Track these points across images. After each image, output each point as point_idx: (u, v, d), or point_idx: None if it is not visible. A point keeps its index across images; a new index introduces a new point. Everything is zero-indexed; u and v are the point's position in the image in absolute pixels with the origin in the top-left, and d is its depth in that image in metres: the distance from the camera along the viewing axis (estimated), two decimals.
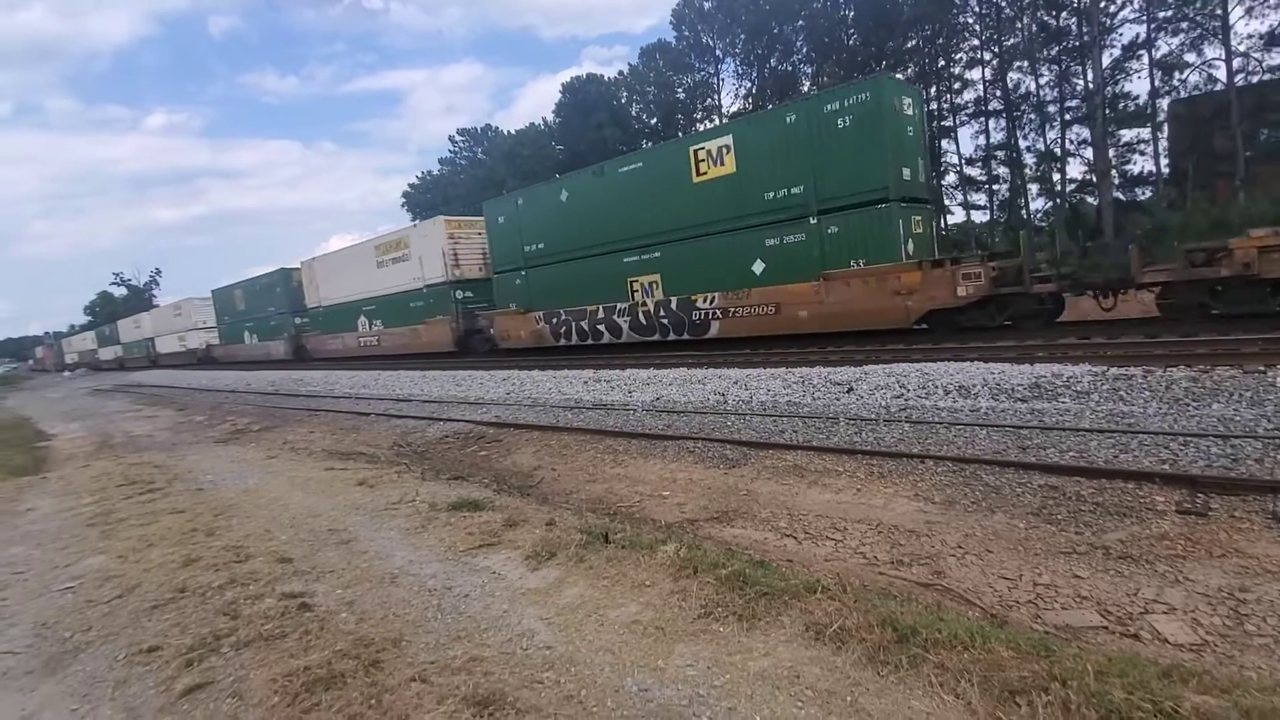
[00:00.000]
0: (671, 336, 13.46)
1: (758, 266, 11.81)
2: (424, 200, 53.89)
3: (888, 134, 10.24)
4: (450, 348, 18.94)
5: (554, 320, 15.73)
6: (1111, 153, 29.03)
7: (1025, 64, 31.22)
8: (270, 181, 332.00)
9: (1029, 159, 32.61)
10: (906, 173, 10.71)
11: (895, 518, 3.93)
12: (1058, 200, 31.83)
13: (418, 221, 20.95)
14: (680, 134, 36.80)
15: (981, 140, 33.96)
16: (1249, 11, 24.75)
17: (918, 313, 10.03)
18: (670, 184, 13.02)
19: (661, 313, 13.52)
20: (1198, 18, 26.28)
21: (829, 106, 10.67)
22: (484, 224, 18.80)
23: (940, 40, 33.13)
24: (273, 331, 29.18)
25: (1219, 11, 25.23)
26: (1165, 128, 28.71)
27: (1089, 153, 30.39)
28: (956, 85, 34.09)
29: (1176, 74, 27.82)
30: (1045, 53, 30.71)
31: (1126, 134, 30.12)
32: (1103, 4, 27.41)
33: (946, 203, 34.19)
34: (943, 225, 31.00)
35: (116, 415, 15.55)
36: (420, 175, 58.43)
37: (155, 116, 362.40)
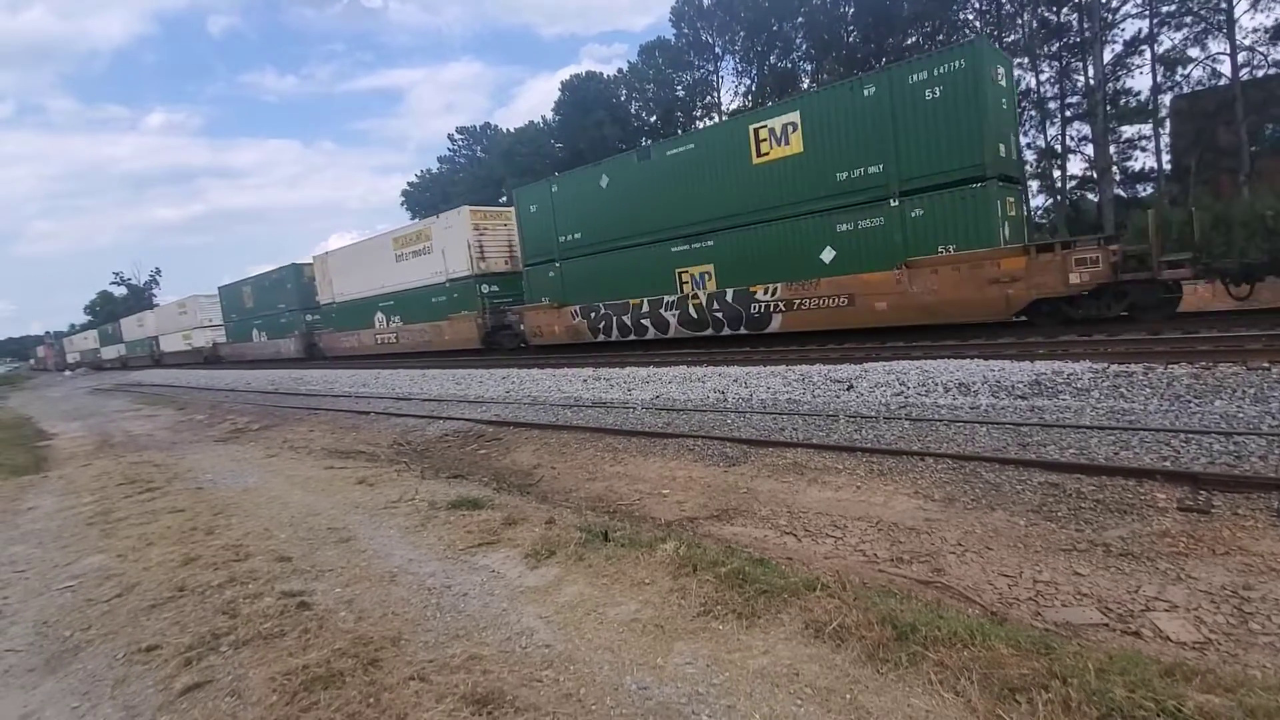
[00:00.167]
0: (726, 331, 12.51)
1: (827, 254, 10.87)
2: (423, 199, 53.84)
3: (986, 105, 9.30)
4: (476, 345, 18.08)
5: (592, 315, 14.84)
6: (1112, 149, 28.98)
7: (1026, 60, 31.10)
8: (270, 180, 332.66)
9: (1029, 155, 32.55)
10: (1002, 149, 9.82)
11: (895, 515, 3.92)
12: (1058, 197, 31.78)
13: (440, 213, 19.64)
14: (680, 131, 36.69)
15: None
16: (1254, 5, 24.67)
17: (1020, 303, 9.10)
18: (726, 166, 12.06)
19: (715, 306, 12.58)
20: (1201, 11, 26.16)
21: (915, 77, 9.70)
22: (511, 215, 18.04)
23: (940, 37, 33.00)
24: (283, 329, 28.36)
25: (1223, 5, 25.13)
26: (1167, 123, 28.63)
27: (1090, 149, 30.34)
28: None
29: (1179, 69, 27.74)
30: (1046, 49, 30.61)
31: (1128, 130, 30.09)
32: None
33: None
34: None
35: (117, 414, 15.56)
36: (419, 174, 58.43)
37: (154, 116, 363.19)
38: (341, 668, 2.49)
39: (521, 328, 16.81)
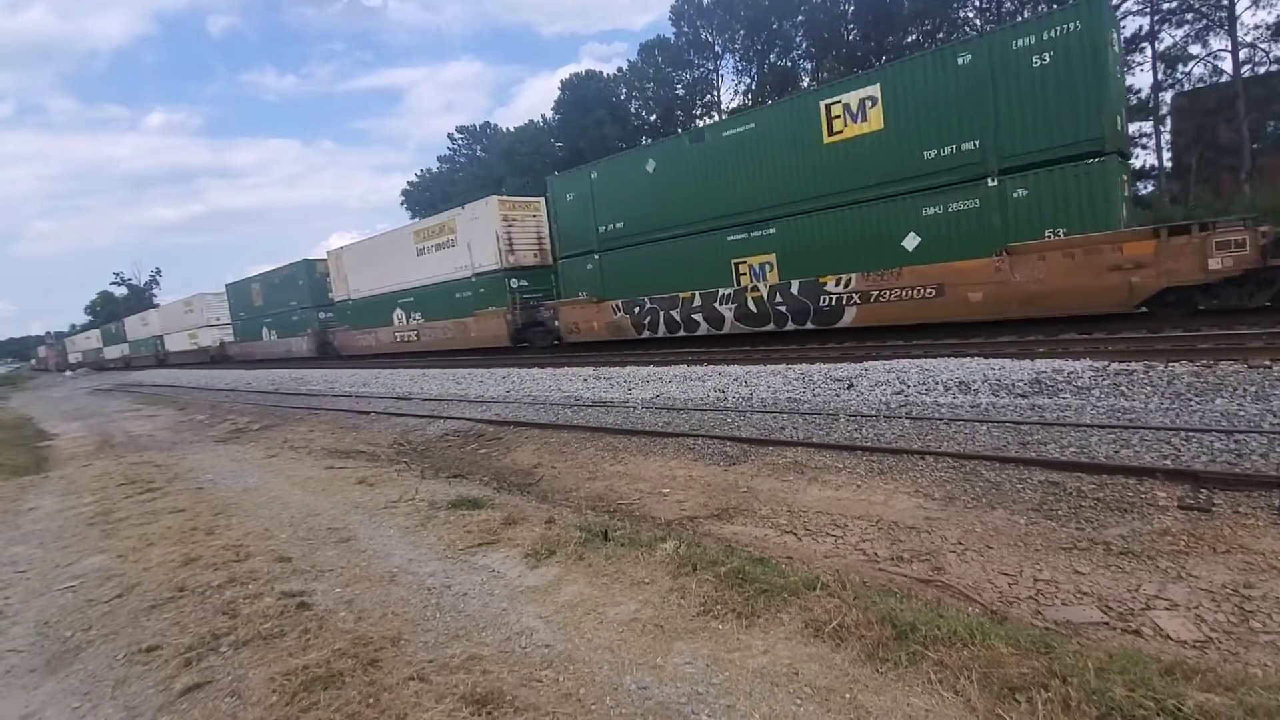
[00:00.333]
0: (790, 326, 11.54)
1: (910, 241, 9.89)
2: (423, 198, 53.86)
3: (1106, 70, 8.38)
4: (505, 343, 17.13)
5: (636, 310, 13.87)
6: None
7: None
8: (269, 180, 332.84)
9: None
10: (1118, 120, 8.96)
11: (895, 514, 3.92)
12: None
13: (464, 203, 18.50)
14: (680, 130, 36.61)
15: None
16: (1255, 1, 24.62)
17: (1146, 292, 8.20)
18: (793, 147, 11.08)
19: (778, 298, 11.58)
20: (1203, 8, 26.10)
21: (1020, 42, 8.78)
22: (540, 205, 17.30)
23: (940, 35, 32.96)
24: (294, 327, 27.32)
25: (1224, 2, 25.07)
26: (1168, 121, 28.56)
27: None
28: None
29: (1180, 66, 27.67)
30: None
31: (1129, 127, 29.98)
32: None
33: None
34: None
35: (117, 415, 15.58)
36: (419, 173, 58.47)
37: (154, 116, 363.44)
38: (341, 668, 2.49)
39: (556, 324, 15.89)
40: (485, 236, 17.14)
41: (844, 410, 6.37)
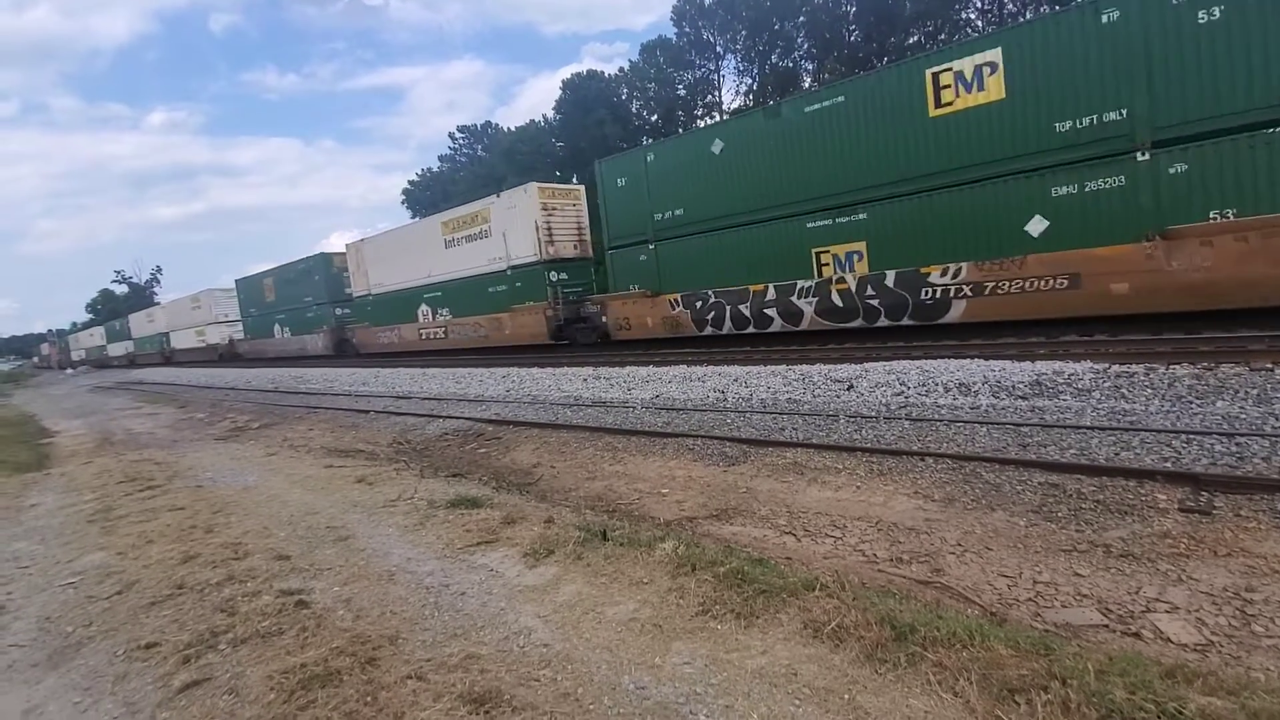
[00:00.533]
0: (883, 322, 10.48)
1: (1036, 226, 8.87)
2: (424, 197, 53.84)
3: None
4: (544, 340, 16.05)
5: (697, 305, 12.89)
6: None
7: None
8: (270, 178, 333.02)
9: None
10: None
11: (895, 515, 3.91)
12: None
13: (500, 192, 17.42)
14: (681, 130, 36.59)
15: None
16: None
17: None
18: (891, 121, 10.01)
19: (868, 291, 10.51)
20: None
21: None
22: (580, 194, 16.48)
23: (942, 36, 32.97)
24: (309, 324, 26.18)
25: None
26: None
27: None
28: None
29: None
30: None
31: None
32: None
33: None
34: None
35: (118, 412, 15.60)
36: (420, 172, 58.40)
37: (156, 114, 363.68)
38: (339, 666, 2.49)
39: (603, 320, 14.84)
40: (523, 226, 15.99)
41: (844, 411, 6.36)
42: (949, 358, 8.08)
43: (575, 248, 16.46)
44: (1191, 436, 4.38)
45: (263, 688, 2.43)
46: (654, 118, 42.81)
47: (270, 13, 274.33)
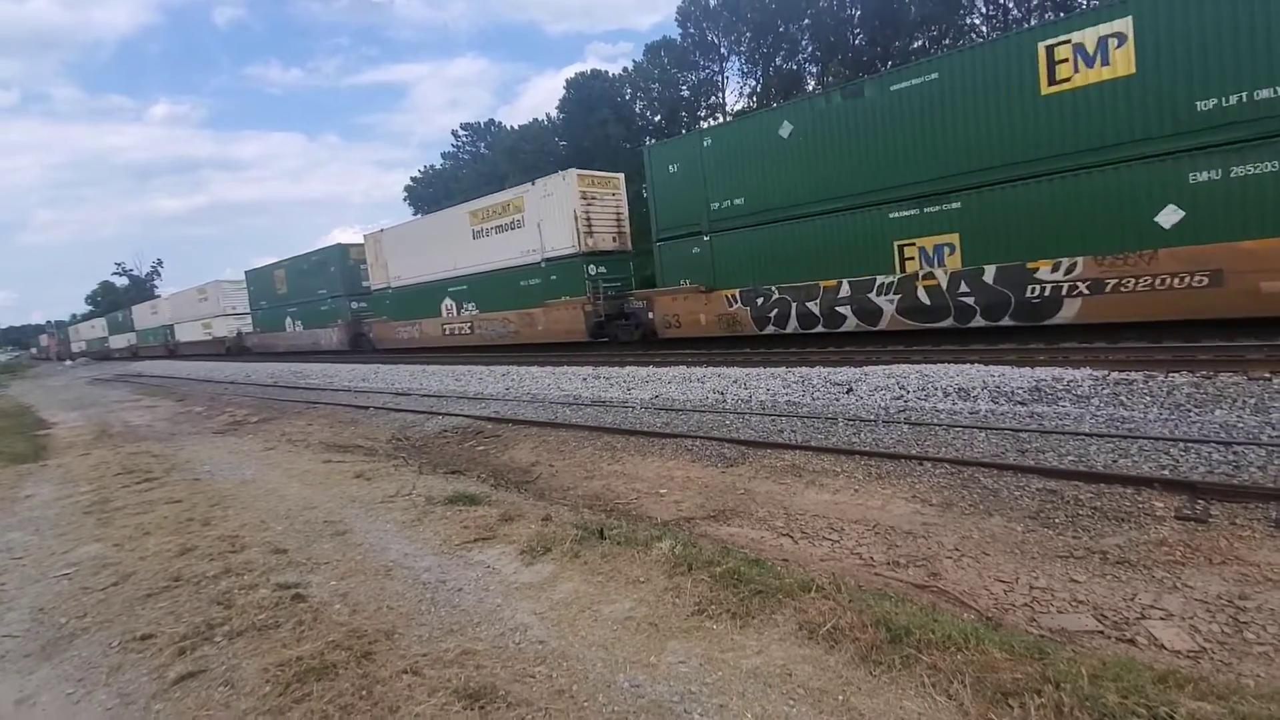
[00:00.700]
0: (979, 322, 9.53)
1: (1168, 216, 7.94)
2: (426, 194, 53.87)
3: None
4: (582, 337, 15.10)
5: (759, 301, 11.92)
6: None
7: None
8: (273, 173, 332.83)
9: None
10: None
11: (892, 519, 3.92)
12: None
13: (535, 180, 16.33)
14: (684, 131, 36.57)
15: None
16: None
17: None
18: (995, 100, 9.08)
19: (963, 289, 9.55)
20: None
21: None
22: (619, 183, 15.64)
23: (947, 41, 33.00)
24: (323, 318, 25.13)
25: None
26: None
27: None
28: None
29: None
30: None
31: None
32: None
33: None
34: None
35: (116, 405, 15.59)
36: (423, 169, 58.43)
37: (159, 106, 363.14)
38: (335, 660, 2.50)
39: (649, 316, 13.89)
40: (561, 216, 15.00)
41: (843, 414, 6.37)
42: (949, 362, 8.09)
43: (614, 240, 15.46)
44: (1189, 444, 4.39)
45: (258, 680, 2.43)
46: (657, 118, 42.83)
47: (274, 7, 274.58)
